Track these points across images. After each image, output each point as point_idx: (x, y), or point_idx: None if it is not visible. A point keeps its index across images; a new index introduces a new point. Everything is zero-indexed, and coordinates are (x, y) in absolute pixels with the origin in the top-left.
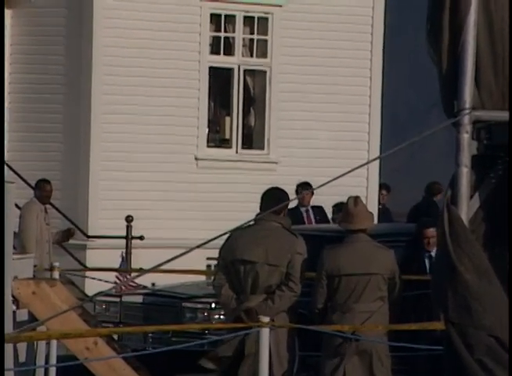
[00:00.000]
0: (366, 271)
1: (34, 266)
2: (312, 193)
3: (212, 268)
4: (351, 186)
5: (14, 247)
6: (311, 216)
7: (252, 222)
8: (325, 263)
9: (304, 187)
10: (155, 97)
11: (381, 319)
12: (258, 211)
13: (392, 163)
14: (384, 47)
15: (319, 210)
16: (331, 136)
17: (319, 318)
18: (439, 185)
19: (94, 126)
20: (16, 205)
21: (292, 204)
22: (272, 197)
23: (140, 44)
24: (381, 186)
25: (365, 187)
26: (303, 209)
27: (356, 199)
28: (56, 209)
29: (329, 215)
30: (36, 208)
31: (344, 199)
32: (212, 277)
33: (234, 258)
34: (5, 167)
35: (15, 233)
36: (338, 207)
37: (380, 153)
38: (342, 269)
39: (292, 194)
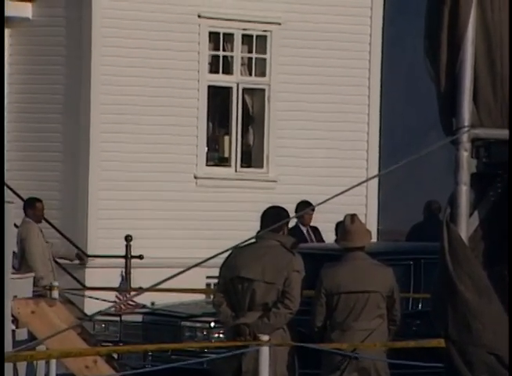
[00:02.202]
0: (365, 289)
1: (44, 287)
2: (312, 211)
3: (212, 286)
4: (351, 204)
5: (14, 268)
6: (312, 236)
7: (252, 240)
8: (323, 281)
9: (305, 206)
10: (154, 116)
11: (380, 338)
12: (258, 229)
13: (391, 181)
14: (382, 65)
15: (315, 230)
16: (330, 154)
17: (319, 336)
18: (438, 203)
19: (93, 145)
20: (15, 225)
21: (291, 223)
22: (272, 215)
23: (139, 63)
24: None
25: (365, 205)
26: (304, 228)
27: (353, 217)
28: (55, 228)
29: (333, 234)
30: (35, 228)
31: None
32: (212, 296)
33: (233, 276)
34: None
35: (14, 253)
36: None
37: (379, 172)
38: (341, 287)
39: (292, 213)
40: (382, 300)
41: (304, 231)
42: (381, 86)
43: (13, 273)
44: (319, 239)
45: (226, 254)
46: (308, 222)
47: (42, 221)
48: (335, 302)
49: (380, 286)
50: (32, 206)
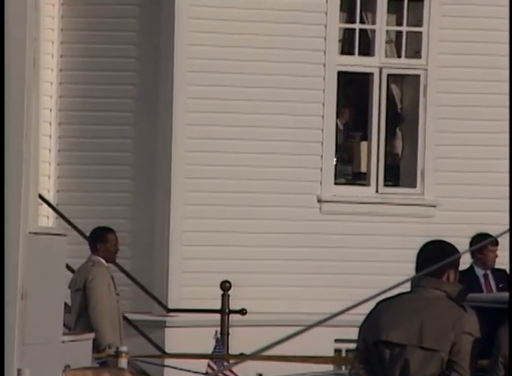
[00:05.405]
0: None
1: (115, 355)
2: (496, 243)
3: (345, 353)
4: None
5: (66, 326)
6: (492, 282)
7: (404, 290)
8: (502, 346)
9: (484, 240)
10: (265, 114)
11: None
12: (411, 273)
13: None
14: None
15: (499, 274)
16: None
17: None
18: None
19: (175, 156)
20: (68, 267)
21: (464, 265)
22: (433, 254)
23: (239, 41)
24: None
25: None
26: (481, 272)
27: None
28: (124, 272)
29: None
30: (106, 273)
31: None
32: (345, 366)
33: (377, 339)
34: (51, 211)
35: (66, 305)
36: None
37: None
38: None
39: (462, 250)
40: None
41: (480, 275)
42: None
43: (65, 334)
44: (505, 286)
45: (366, 309)
46: (491, 263)
47: (114, 261)
48: None
49: None
50: (103, 239)
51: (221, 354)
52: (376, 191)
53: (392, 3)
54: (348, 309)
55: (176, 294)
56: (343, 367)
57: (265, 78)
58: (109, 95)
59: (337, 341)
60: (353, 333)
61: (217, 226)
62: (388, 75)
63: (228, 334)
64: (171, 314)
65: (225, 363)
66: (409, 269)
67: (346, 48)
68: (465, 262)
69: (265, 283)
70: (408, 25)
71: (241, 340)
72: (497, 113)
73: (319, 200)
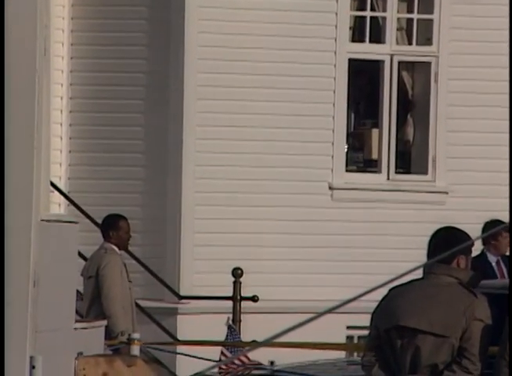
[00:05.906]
0: None
1: (127, 342)
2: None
3: (356, 340)
4: None
5: (78, 313)
6: (504, 268)
7: (416, 277)
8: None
9: (496, 226)
10: (272, 102)
11: None
12: (423, 260)
13: None
14: None
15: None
16: None
17: None
18: None
19: (186, 144)
20: (80, 254)
21: (476, 252)
22: (445, 241)
23: (249, 28)
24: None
25: None
26: (493, 258)
27: None
28: (136, 260)
29: None
30: (119, 261)
31: None
32: (357, 353)
33: (388, 326)
34: (63, 199)
35: (78, 292)
36: None
37: None
38: None
39: (474, 236)
40: None
41: (493, 262)
42: None
43: (78, 321)
44: None
45: (378, 296)
46: (504, 250)
47: (127, 248)
48: None
49: None
50: (115, 226)
51: (233, 341)
52: (388, 178)
53: None
54: (360, 295)
55: (188, 281)
56: (355, 354)
57: (275, 66)
58: (120, 83)
59: (348, 327)
60: (365, 320)
61: (228, 213)
62: (399, 62)
63: (239, 321)
64: (182, 301)
65: (237, 350)
66: (421, 256)
67: (357, 36)
68: (476, 248)
69: (276, 270)
70: (419, 12)
71: (253, 327)
72: (500, 100)
73: (331, 187)
